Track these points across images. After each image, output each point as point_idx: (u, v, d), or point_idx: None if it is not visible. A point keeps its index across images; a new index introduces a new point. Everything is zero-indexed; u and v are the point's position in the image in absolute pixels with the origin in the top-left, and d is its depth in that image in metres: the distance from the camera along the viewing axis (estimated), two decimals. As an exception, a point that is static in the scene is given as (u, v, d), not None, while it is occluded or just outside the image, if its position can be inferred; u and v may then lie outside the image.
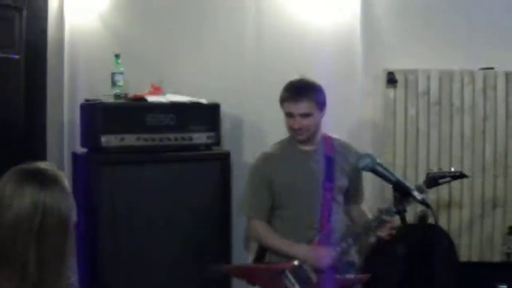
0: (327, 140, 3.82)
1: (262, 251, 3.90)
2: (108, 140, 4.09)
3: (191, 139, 4.28)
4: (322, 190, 3.72)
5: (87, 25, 4.60)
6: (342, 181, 3.80)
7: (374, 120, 4.94)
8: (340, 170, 3.77)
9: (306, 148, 3.77)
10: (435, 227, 4.82)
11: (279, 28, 4.85)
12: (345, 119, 4.77)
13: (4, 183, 2.03)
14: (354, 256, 3.88)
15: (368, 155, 3.28)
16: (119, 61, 4.38)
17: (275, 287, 3.67)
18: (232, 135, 4.81)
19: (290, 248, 3.68)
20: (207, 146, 4.35)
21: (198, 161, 4.32)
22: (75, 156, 4.44)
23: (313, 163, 3.75)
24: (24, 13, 4.01)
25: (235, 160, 4.64)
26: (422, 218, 4.78)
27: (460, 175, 4.03)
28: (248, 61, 4.84)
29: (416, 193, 3.03)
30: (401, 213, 3.32)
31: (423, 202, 3.04)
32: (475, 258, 4.93)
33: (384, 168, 3.19)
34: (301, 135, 3.72)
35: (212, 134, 4.33)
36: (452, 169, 4.15)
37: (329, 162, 3.67)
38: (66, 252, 2.05)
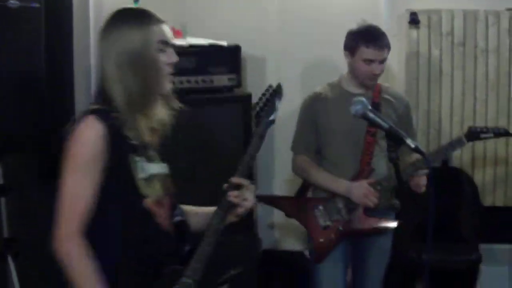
0: (376, 86, 3.83)
1: (304, 187, 3.99)
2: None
3: (211, 81, 4.25)
4: (365, 134, 3.74)
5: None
6: None
7: (397, 62, 4.85)
8: (385, 116, 3.73)
9: (355, 91, 3.77)
10: (458, 171, 4.83)
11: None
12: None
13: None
14: (395, 200, 3.90)
15: (359, 101, 3.23)
16: (138, 5, 4.33)
17: (306, 219, 3.85)
18: (255, 77, 4.75)
19: (332, 182, 3.78)
20: (229, 89, 4.32)
21: (219, 103, 4.29)
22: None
23: None
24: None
25: (258, 102, 4.60)
26: (445, 162, 4.75)
27: (504, 133, 3.85)
28: (270, 3, 4.78)
29: (409, 141, 2.98)
30: (394, 160, 3.33)
31: (417, 150, 2.99)
32: (499, 204, 4.90)
33: (376, 115, 3.15)
34: (375, 81, 3.77)
35: (233, 76, 4.29)
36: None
37: (374, 107, 3.60)
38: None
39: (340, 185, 3.76)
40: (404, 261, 4.52)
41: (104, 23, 2.46)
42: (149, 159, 2.47)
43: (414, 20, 4.75)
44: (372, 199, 3.69)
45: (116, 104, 2.38)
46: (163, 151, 2.56)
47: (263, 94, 2.71)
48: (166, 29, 2.48)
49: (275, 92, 2.71)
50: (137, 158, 2.41)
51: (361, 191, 3.70)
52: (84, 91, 4.21)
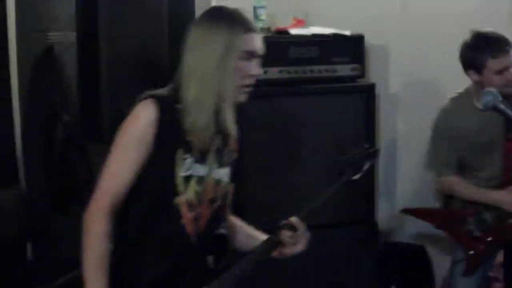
0: None
1: (448, 199, 3.87)
2: (250, 73, 4.07)
3: (334, 71, 4.20)
4: (504, 141, 3.63)
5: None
6: None
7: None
8: None
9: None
10: None
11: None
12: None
13: None
14: None
15: (489, 92, 3.12)
16: (263, -6, 4.35)
17: (456, 231, 3.76)
18: (378, 67, 4.67)
19: (482, 195, 3.67)
20: (351, 78, 4.27)
21: (342, 93, 4.25)
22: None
23: (492, 117, 3.55)
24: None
25: (381, 92, 4.55)
26: None
27: None
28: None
29: None
30: None
31: None
32: None
33: (507, 106, 3.04)
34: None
35: (356, 66, 4.23)
36: None
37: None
38: None
39: (490, 196, 3.64)
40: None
41: (199, 16, 2.45)
42: (200, 160, 2.42)
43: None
44: None
45: (183, 96, 2.37)
46: (233, 157, 2.53)
47: (358, 152, 2.68)
48: (257, 39, 2.41)
49: (370, 155, 2.68)
50: (186, 155, 2.38)
51: None
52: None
